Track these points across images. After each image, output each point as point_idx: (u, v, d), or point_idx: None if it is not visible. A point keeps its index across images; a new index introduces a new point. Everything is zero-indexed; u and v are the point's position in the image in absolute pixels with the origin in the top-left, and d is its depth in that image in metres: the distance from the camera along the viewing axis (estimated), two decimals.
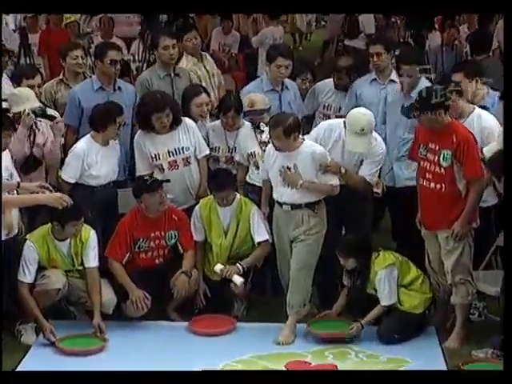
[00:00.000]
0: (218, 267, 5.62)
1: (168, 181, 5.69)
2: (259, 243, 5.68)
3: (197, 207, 5.76)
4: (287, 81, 6.35)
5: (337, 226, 5.67)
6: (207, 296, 5.72)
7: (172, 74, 6.46)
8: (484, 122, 5.40)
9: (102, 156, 5.79)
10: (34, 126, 5.74)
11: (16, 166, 5.53)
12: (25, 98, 5.69)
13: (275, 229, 5.54)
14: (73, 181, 5.74)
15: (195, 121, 6.02)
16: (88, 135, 5.83)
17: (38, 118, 5.72)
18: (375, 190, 5.80)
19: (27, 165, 5.74)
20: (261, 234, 5.65)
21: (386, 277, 5.27)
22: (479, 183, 5.12)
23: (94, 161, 5.75)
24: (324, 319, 5.47)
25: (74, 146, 5.82)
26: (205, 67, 6.90)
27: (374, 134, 5.50)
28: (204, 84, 6.59)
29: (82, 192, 5.72)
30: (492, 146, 4.92)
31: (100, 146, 5.79)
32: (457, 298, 5.28)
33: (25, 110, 5.60)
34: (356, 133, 5.33)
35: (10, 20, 12.07)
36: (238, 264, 5.61)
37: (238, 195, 5.74)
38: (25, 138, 5.68)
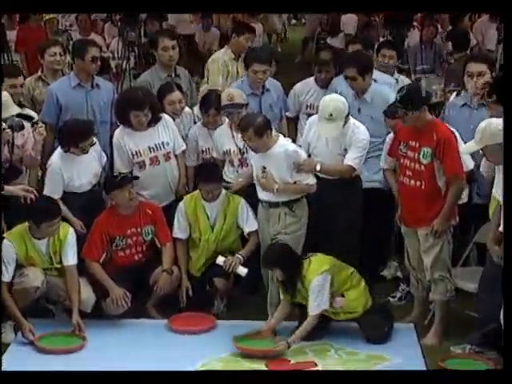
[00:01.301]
0: (221, 259, 5.59)
1: (137, 177, 5.65)
2: (250, 233, 5.68)
3: (181, 204, 5.74)
4: (269, 81, 6.34)
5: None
6: (188, 294, 5.69)
7: (173, 75, 6.44)
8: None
9: (80, 165, 5.71)
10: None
11: None
12: (3, 106, 5.46)
13: (259, 225, 5.57)
14: (58, 197, 5.63)
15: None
16: (59, 149, 5.73)
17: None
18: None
19: (8, 174, 5.61)
20: (250, 225, 5.66)
21: (319, 284, 5.07)
22: (458, 181, 5.14)
23: (72, 173, 5.68)
24: (255, 337, 5.19)
25: (50, 161, 5.70)
26: (237, 67, 6.88)
27: (357, 122, 5.51)
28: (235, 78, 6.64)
29: (69, 198, 5.68)
30: (469, 145, 4.94)
31: (75, 157, 5.69)
32: (435, 294, 5.31)
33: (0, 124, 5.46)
34: (325, 118, 5.36)
35: None
36: (237, 255, 5.59)
37: (224, 190, 5.73)
38: (3, 145, 5.53)
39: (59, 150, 5.74)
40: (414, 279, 5.48)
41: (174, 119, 5.99)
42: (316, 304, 5.07)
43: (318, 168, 5.37)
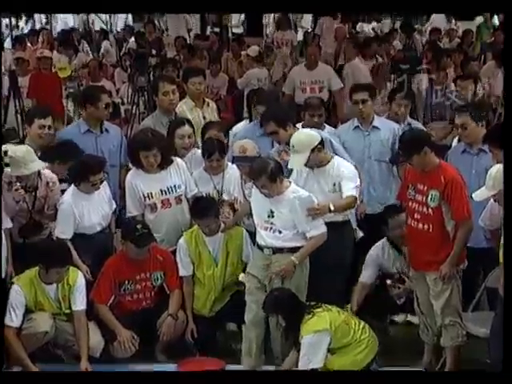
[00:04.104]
0: (244, 276, 5.47)
1: (153, 239, 5.60)
2: None
3: (181, 241, 5.72)
4: None
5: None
6: (194, 336, 5.65)
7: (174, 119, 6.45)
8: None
9: (91, 203, 5.74)
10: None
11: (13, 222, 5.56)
12: (22, 163, 5.49)
13: (254, 270, 5.38)
14: (68, 237, 5.66)
15: (179, 154, 6.02)
16: (72, 186, 5.77)
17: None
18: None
19: (27, 229, 5.69)
20: None
21: (311, 343, 4.94)
22: (467, 224, 5.12)
23: (82, 212, 5.70)
24: None
25: (61, 201, 5.72)
26: (203, 113, 6.87)
27: (341, 160, 5.55)
28: (196, 130, 6.46)
29: (79, 240, 5.68)
30: (482, 191, 4.94)
31: (86, 195, 5.73)
32: (447, 340, 5.26)
33: (16, 183, 5.50)
34: (291, 151, 5.42)
35: None
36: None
37: (223, 223, 5.70)
38: (20, 201, 5.59)
39: (71, 188, 5.77)
40: (423, 325, 5.43)
41: (183, 155, 6.02)
42: (305, 359, 4.95)
43: (332, 208, 5.32)
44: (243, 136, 6.26)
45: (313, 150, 5.37)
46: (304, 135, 5.48)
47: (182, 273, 5.73)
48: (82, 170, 5.70)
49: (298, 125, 6.34)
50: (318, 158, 5.43)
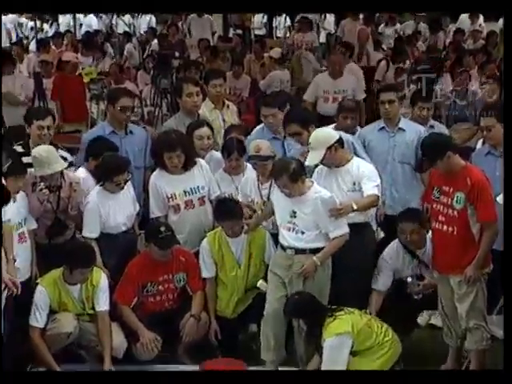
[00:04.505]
0: (263, 284, 5.44)
1: (177, 241, 5.61)
2: None
3: (204, 243, 5.73)
4: None
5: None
6: (217, 337, 5.67)
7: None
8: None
9: (116, 203, 5.76)
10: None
11: (38, 223, 5.62)
12: (45, 163, 5.55)
13: (275, 271, 5.39)
14: (96, 235, 5.70)
15: (198, 154, 6.04)
16: (97, 186, 5.79)
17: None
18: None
19: (53, 230, 5.74)
20: None
21: (333, 346, 4.96)
22: (492, 227, 5.09)
23: (107, 212, 5.73)
24: None
25: (87, 200, 5.74)
26: (222, 116, 6.88)
27: (360, 160, 5.58)
28: (216, 132, 6.50)
29: (105, 240, 5.71)
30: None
31: (111, 194, 5.75)
32: (471, 343, 5.23)
33: (41, 183, 5.55)
34: (308, 147, 5.45)
35: (24, 67, 12.27)
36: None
37: (246, 225, 5.70)
38: (44, 201, 5.64)
39: (96, 188, 5.79)
40: (447, 328, 5.41)
41: (201, 156, 6.04)
42: (328, 363, 4.96)
43: (355, 207, 5.31)
44: (252, 139, 6.19)
45: (329, 148, 5.37)
46: (321, 133, 5.51)
47: (204, 274, 5.73)
48: (106, 170, 5.72)
49: (331, 126, 6.34)
50: (335, 157, 5.43)
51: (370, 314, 5.43)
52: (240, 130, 6.48)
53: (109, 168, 5.71)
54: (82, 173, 5.96)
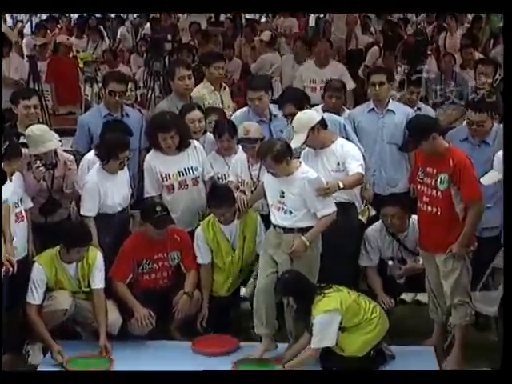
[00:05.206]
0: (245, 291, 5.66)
1: (172, 221, 5.72)
2: None
3: (198, 230, 5.80)
4: (275, 107, 6.35)
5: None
6: (209, 318, 5.76)
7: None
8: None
9: (114, 183, 5.81)
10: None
11: (33, 202, 5.68)
12: (39, 141, 5.60)
13: (266, 250, 5.49)
14: (94, 214, 5.75)
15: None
16: (97, 165, 5.84)
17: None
18: (360, 217, 5.92)
19: (47, 207, 5.81)
20: None
21: (322, 323, 5.04)
22: (477, 206, 5.20)
23: (106, 190, 5.78)
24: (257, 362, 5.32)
25: (86, 179, 5.78)
26: (221, 97, 6.93)
27: (345, 140, 5.65)
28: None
29: (102, 219, 5.77)
30: (490, 175, 5.03)
31: (110, 175, 5.81)
32: (456, 319, 5.36)
33: (36, 161, 5.60)
34: (293, 130, 5.53)
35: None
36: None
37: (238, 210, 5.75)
38: (40, 180, 5.68)
39: (95, 167, 5.82)
40: (433, 304, 5.55)
41: (195, 138, 6.10)
42: (318, 339, 5.05)
43: (342, 186, 5.37)
44: (239, 122, 6.21)
45: (312, 130, 5.43)
46: (303, 115, 5.55)
47: (200, 261, 5.81)
48: (111, 148, 5.73)
49: (318, 107, 6.41)
50: (318, 139, 5.48)
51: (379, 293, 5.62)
52: (218, 113, 6.51)
53: (114, 145, 5.74)
54: (91, 156, 5.96)
